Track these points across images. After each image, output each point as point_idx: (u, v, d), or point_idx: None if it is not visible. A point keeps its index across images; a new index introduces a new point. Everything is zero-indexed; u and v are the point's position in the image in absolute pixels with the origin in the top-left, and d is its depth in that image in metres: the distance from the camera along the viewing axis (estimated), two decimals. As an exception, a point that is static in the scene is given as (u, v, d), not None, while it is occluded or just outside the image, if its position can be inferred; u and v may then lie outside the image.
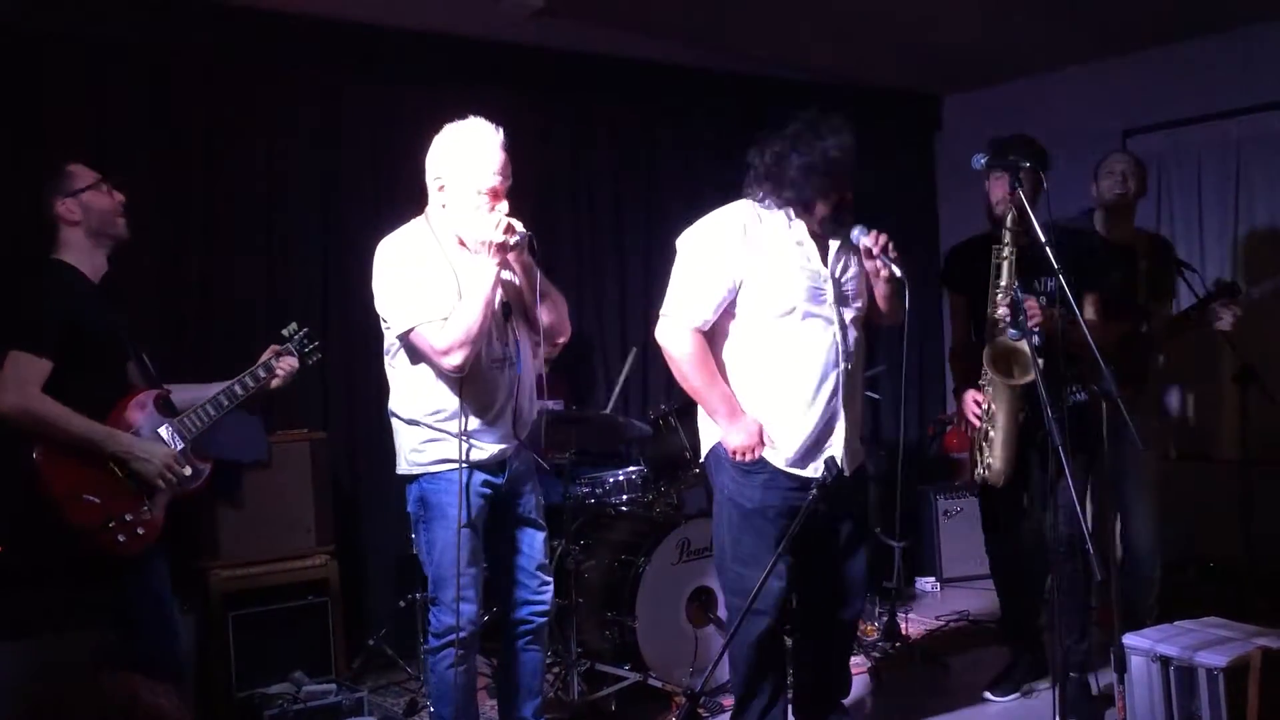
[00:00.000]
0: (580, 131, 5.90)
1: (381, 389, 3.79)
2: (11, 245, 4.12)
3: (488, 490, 3.44)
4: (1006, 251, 3.88)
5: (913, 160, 7.23)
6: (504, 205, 3.32)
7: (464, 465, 3.34)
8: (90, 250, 3.31)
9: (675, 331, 3.56)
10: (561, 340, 3.61)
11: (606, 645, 4.51)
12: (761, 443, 3.53)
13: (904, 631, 5.08)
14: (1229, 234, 5.89)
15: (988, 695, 4.39)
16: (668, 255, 3.66)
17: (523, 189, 3.42)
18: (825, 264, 3.56)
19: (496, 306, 3.32)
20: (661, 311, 3.60)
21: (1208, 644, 3.29)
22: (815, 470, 3.51)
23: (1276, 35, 5.64)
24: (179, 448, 3.33)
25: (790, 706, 3.82)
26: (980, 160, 3.54)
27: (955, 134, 7.17)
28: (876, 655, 4.85)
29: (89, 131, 4.43)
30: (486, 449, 3.41)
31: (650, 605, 4.38)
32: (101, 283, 3.34)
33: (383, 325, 3.43)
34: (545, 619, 3.62)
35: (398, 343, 3.40)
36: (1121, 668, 3.32)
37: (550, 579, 3.63)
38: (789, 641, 3.92)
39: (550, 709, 3.86)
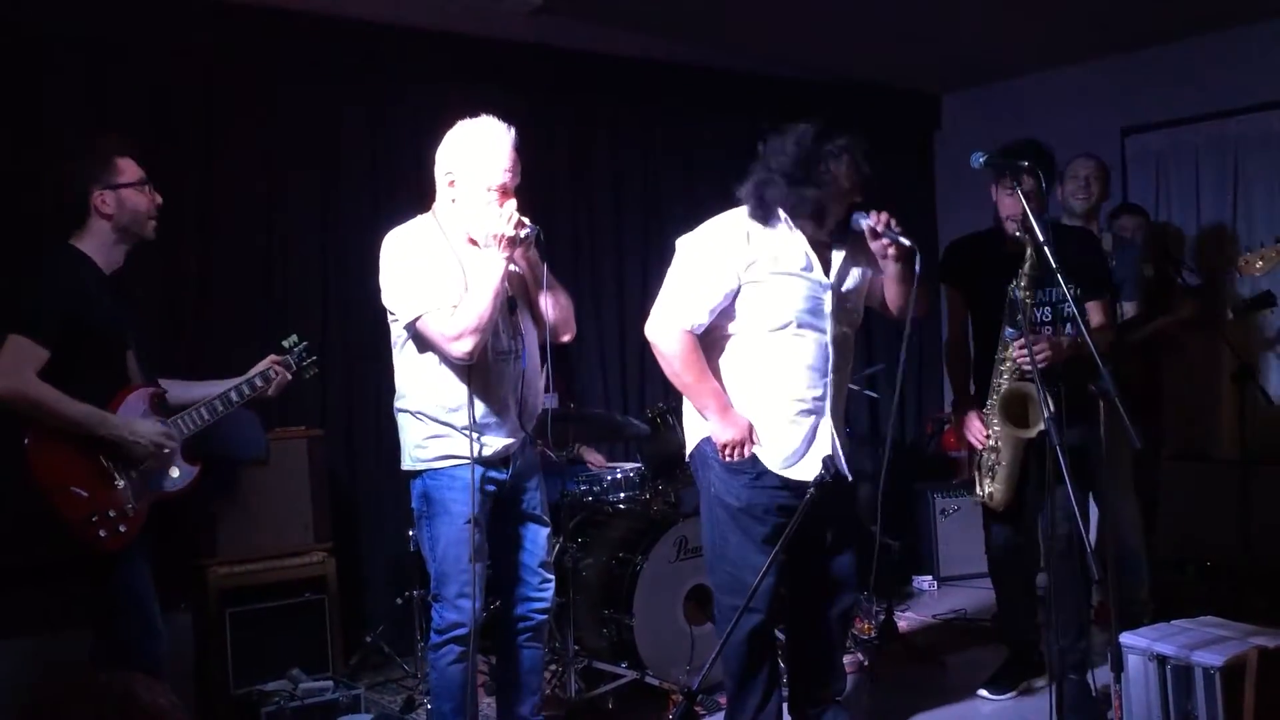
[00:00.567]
0: (579, 129, 5.90)
1: (380, 387, 3.81)
2: (18, 232, 4.12)
3: (492, 486, 3.44)
4: (1025, 281, 3.71)
5: (911, 159, 7.24)
6: (513, 201, 3.35)
7: (473, 461, 3.34)
8: (112, 244, 3.30)
9: (666, 331, 3.55)
10: (567, 337, 3.62)
11: (604, 643, 4.52)
12: (752, 439, 3.53)
13: (900, 630, 5.09)
14: (1227, 232, 5.90)
15: (984, 693, 4.39)
16: (666, 254, 3.66)
17: (521, 187, 3.43)
18: (828, 274, 3.56)
19: (503, 300, 3.34)
20: (654, 309, 3.60)
21: (1204, 643, 3.29)
22: (802, 472, 3.52)
23: (1274, 34, 5.64)
24: (172, 445, 3.33)
25: (785, 704, 3.82)
26: (979, 159, 3.52)
27: (954, 133, 7.18)
28: (873, 653, 4.85)
29: (88, 128, 4.42)
30: (492, 444, 3.41)
31: (647, 603, 4.38)
32: (112, 276, 3.33)
33: (390, 319, 3.44)
34: (546, 616, 3.63)
35: (405, 335, 3.40)
36: (1118, 667, 3.32)
37: (552, 576, 3.64)
38: (781, 638, 3.92)
39: (547, 706, 3.87)
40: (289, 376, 3.62)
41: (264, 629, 4.40)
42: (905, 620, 5.37)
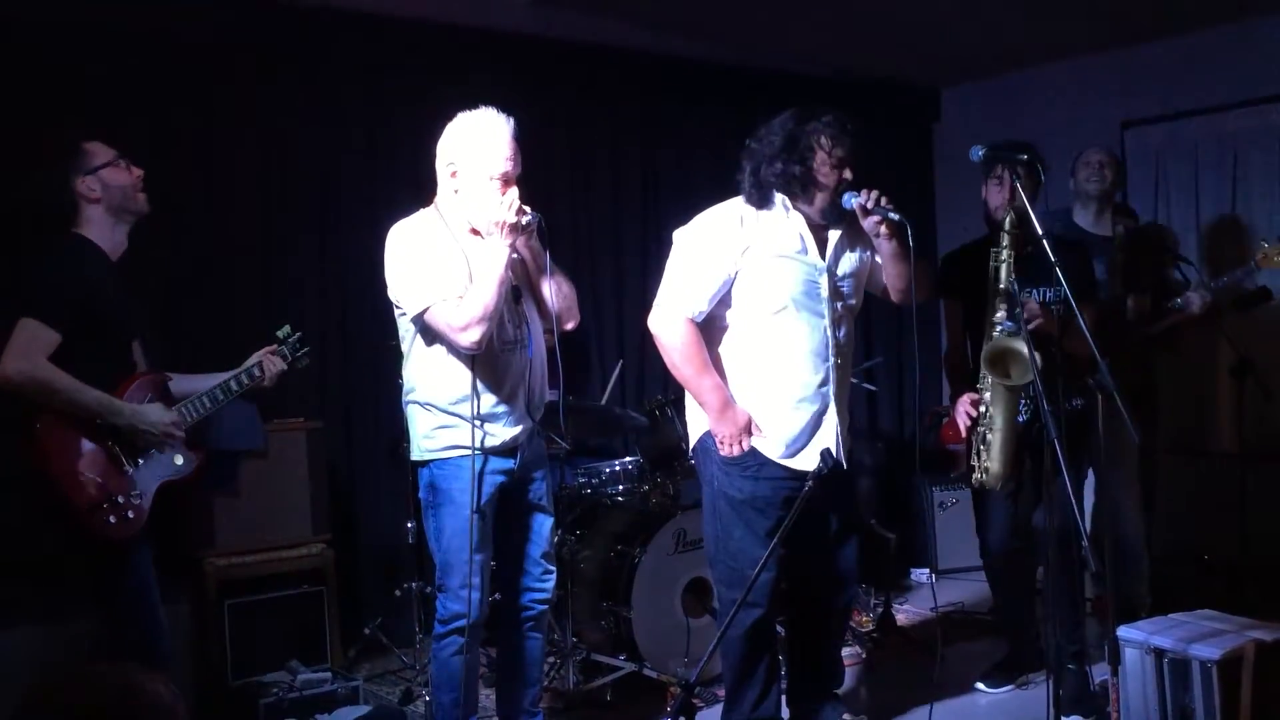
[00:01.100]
0: (578, 121, 5.89)
1: (378, 379, 3.82)
2: (26, 220, 4.11)
3: (500, 476, 3.45)
4: (1005, 254, 3.85)
5: (911, 153, 7.23)
6: (515, 190, 3.36)
7: (477, 451, 3.35)
8: (111, 227, 3.33)
9: (668, 320, 3.57)
10: (570, 325, 3.63)
11: (602, 635, 4.52)
12: (749, 434, 3.54)
13: (898, 622, 5.09)
14: (1227, 226, 5.89)
15: (981, 686, 4.40)
16: (664, 245, 3.67)
17: (520, 178, 3.44)
18: (823, 257, 3.56)
19: (507, 289, 3.35)
20: (655, 301, 3.62)
21: (1202, 636, 3.30)
22: (805, 462, 3.52)
23: (1274, 28, 5.64)
24: (180, 434, 3.36)
25: (784, 696, 3.83)
26: (978, 152, 3.52)
27: (954, 126, 7.17)
28: (871, 646, 4.86)
29: (86, 119, 4.40)
30: (500, 434, 3.42)
31: (646, 596, 4.39)
32: (119, 261, 3.35)
33: (396, 313, 3.46)
34: (547, 607, 3.64)
35: (413, 328, 3.41)
36: (1115, 660, 3.32)
37: (553, 567, 3.64)
38: (781, 631, 3.93)
39: (546, 699, 3.87)
40: (284, 366, 3.65)
41: (262, 620, 4.42)
42: (903, 613, 5.38)
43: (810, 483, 3.10)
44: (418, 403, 3.46)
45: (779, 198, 3.53)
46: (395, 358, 3.61)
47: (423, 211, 3.47)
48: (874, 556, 5.50)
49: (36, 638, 3.76)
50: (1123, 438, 3.41)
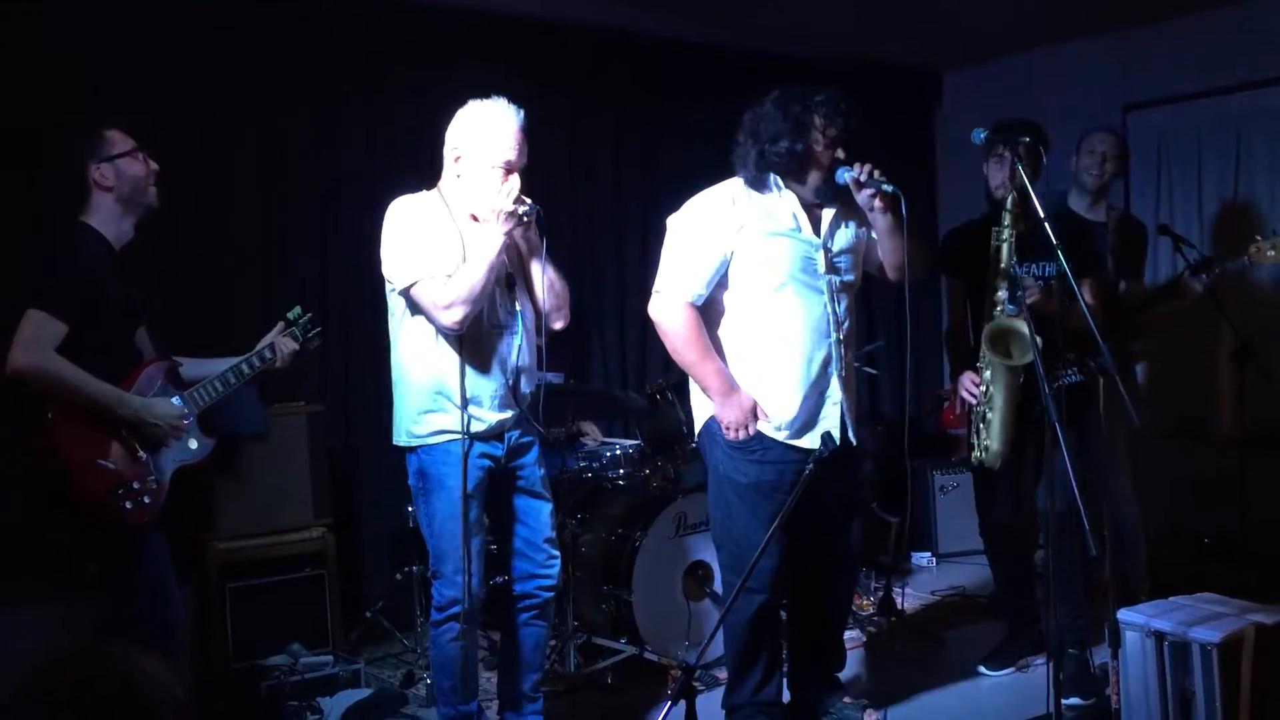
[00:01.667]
0: (579, 105, 5.87)
1: (378, 362, 3.79)
2: (24, 213, 4.11)
3: (487, 461, 3.45)
4: (1006, 234, 3.86)
5: (912, 136, 7.21)
6: (515, 179, 3.37)
7: (465, 435, 3.35)
8: (119, 217, 3.32)
9: (668, 306, 3.56)
10: (559, 325, 3.63)
11: (603, 619, 4.53)
12: (755, 418, 3.53)
13: (899, 606, 5.10)
14: (1229, 209, 5.88)
15: (982, 669, 4.40)
16: (666, 229, 3.66)
17: (523, 170, 3.44)
18: (817, 234, 3.56)
19: (501, 276, 3.36)
20: (654, 288, 3.61)
21: (1202, 619, 3.29)
22: (811, 442, 3.51)
23: (1278, 9, 5.61)
24: (187, 421, 3.36)
25: (785, 680, 3.83)
26: (980, 134, 3.52)
27: (955, 110, 7.15)
28: (872, 630, 4.87)
29: (87, 107, 4.39)
30: (486, 419, 3.42)
31: (646, 579, 4.39)
32: (123, 251, 3.35)
33: (387, 288, 3.46)
34: (551, 594, 3.63)
35: (403, 306, 3.41)
36: (1116, 643, 3.33)
37: (557, 553, 3.63)
38: (783, 615, 3.93)
39: (547, 681, 3.88)
40: (296, 347, 3.66)
41: (264, 604, 4.42)
42: (904, 597, 5.38)
43: (810, 466, 3.09)
44: (404, 386, 3.46)
45: (771, 177, 3.52)
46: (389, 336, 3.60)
47: (425, 192, 3.48)
48: (877, 540, 5.52)
49: (46, 620, 3.77)
50: (1119, 420, 3.40)
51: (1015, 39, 6.43)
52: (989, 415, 3.99)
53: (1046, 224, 3.25)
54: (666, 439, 4.94)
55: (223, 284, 4.79)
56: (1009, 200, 3.87)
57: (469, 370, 3.37)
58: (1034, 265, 3.97)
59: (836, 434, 3.47)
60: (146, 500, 3.23)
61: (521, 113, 3.40)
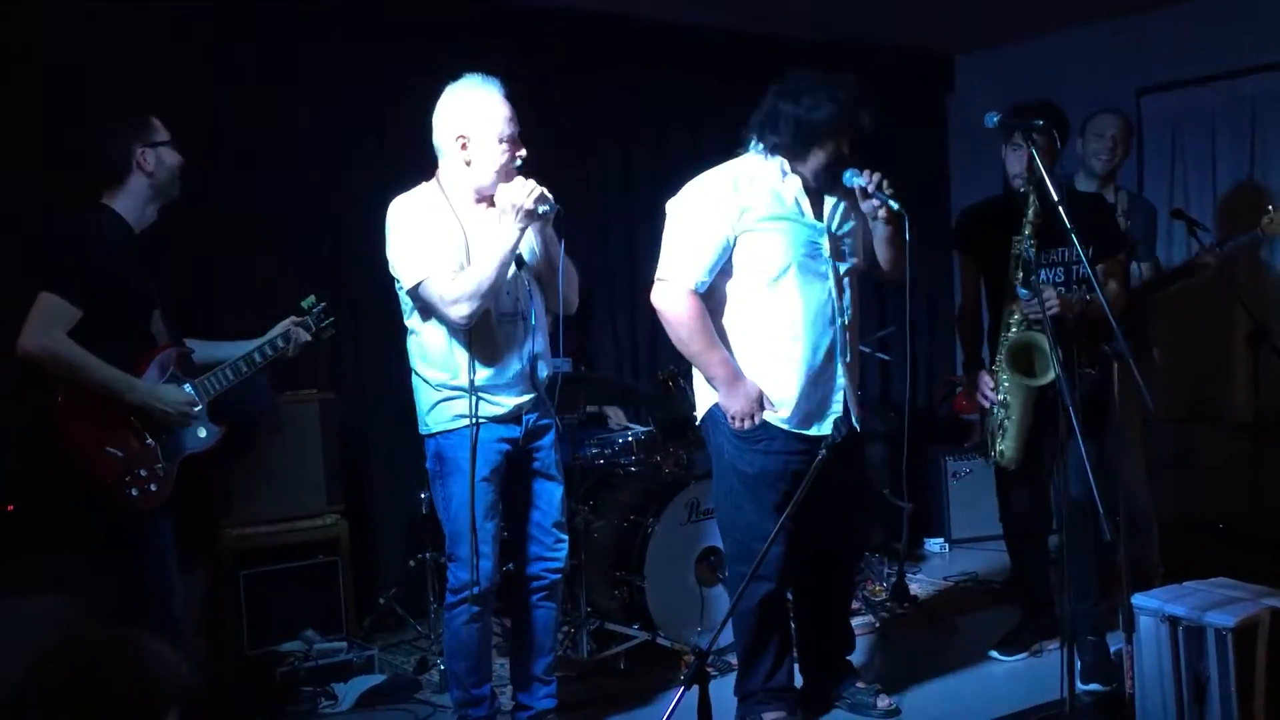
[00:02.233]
0: (586, 90, 5.85)
1: (390, 349, 3.80)
2: (40, 192, 4.11)
3: (505, 445, 3.45)
4: (1027, 243, 3.79)
5: (924, 122, 7.17)
6: (534, 183, 3.31)
7: (475, 421, 3.35)
8: (146, 203, 3.31)
9: (671, 295, 3.52)
10: (569, 312, 3.60)
11: (615, 605, 4.53)
12: (761, 407, 3.51)
13: (912, 592, 5.10)
14: (1244, 193, 5.85)
15: (995, 655, 4.40)
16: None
17: (530, 149, 3.42)
18: (821, 219, 3.53)
19: (509, 267, 3.34)
20: (657, 276, 3.57)
21: (1216, 604, 3.28)
22: (817, 430, 3.50)
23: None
24: (197, 409, 3.36)
25: (796, 666, 3.83)
26: (993, 118, 3.49)
27: (967, 94, 7.11)
28: (884, 615, 4.87)
29: (89, 91, 4.39)
30: (502, 403, 3.43)
31: (659, 565, 4.39)
32: (142, 235, 3.33)
33: (396, 286, 3.45)
34: (559, 576, 3.64)
35: (411, 301, 3.41)
36: (1130, 628, 3.32)
37: (566, 536, 3.65)
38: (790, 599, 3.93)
39: (560, 667, 3.88)
40: (308, 337, 3.64)
41: (277, 591, 4.44)
42: (916, 583, 5.38)
43: (824, 451, 3.08)
44: (420, 376, 3.47)
45: (779, 159, 3.49)
46: (405, 328, 3.60)
47: (423, 186, 3.46)
48: (890, 526, 5.51)
49: (54, 606, 3.77)
50: (1132, 405, 3.39)
51: (1028, 22, 6.38)
52: (1006, 424, 4.00)
53: (1058, 202, 3.23)
54: (678, 425, 4.93)
55: (230, 272, 4.79)
56: (1030, 206, 3.81)
57: (485, 358, 3.37)
58: (1055, 251, 3.94)
59: (841, 421, 3.46)
60: (154, 488, 3.23)
61: (498, 81, 3.38)
